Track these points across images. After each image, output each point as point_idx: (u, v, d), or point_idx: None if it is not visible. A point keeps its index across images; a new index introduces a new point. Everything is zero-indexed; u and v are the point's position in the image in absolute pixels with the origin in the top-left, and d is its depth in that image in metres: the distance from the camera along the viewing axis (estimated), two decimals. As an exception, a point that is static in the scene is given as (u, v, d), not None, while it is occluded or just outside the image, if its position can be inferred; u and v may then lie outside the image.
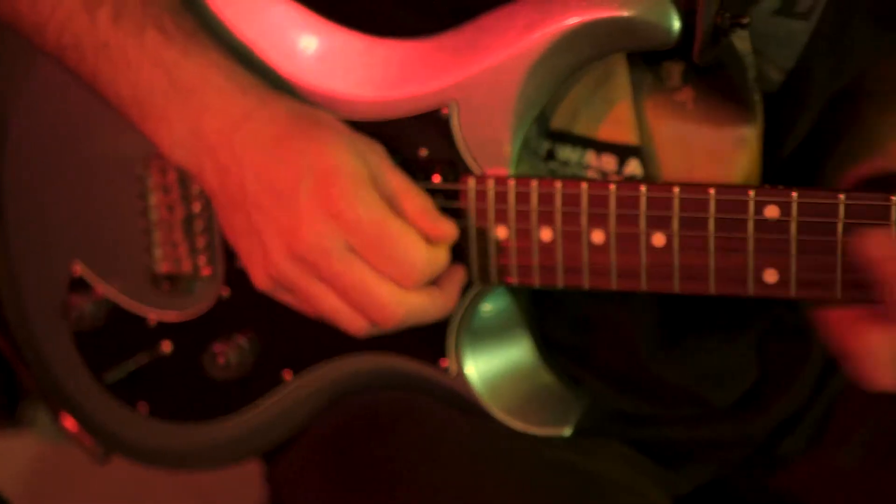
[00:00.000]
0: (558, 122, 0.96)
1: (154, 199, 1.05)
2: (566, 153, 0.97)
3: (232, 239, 0.93)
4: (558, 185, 0.88)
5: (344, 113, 0.95)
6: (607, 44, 0.87)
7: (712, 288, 0.84)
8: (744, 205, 0.82)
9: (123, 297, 1.08)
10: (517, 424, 0.96)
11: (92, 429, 1.14)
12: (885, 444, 1.05)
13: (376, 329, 0.90)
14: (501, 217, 0.91)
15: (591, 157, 0.96)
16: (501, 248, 0.91)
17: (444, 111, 0.92)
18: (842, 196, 0.80)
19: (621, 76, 0.92)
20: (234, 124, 0.90)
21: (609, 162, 0.95)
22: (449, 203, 0.93)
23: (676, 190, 0.84)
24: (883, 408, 1.07)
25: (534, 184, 0.89)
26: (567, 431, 0.96)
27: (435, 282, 0.91)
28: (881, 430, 1.06)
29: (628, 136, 0.94)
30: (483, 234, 0.91)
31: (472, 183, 0.91)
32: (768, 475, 1.09)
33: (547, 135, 0.96)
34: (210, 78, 0.91)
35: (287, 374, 1.02)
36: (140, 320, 1.08)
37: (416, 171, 0.93)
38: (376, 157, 0.91)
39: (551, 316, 1.00)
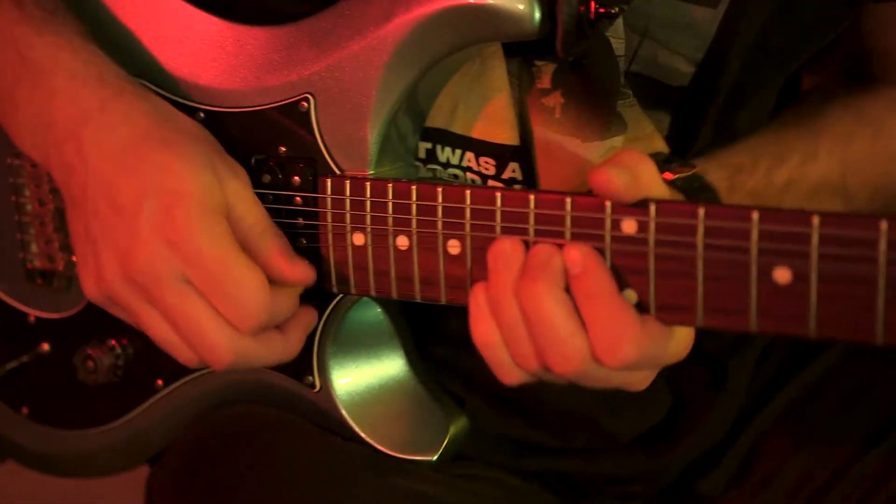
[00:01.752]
0: (437, 119, 0.88)
1: (27, 191, 1.00)
2: (446, 154, 0.89)
3: (72, 239, 0.86)
4: (413, 188, 0.80)
5: (207, 101, 0.88)
6: (468, 33, 0.78)
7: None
8: (599, 221, 0.73)
9: (3, 295, 1.04)
10: (382, 447, 0.88)
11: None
12: (809, 488, 0.94)
13: (206, 366, 0.83)
14: (359, 222, 0.83)
15: (469, 159, 0.88)
16: (358, 256, 0.84)
17: (304, 104, 0.84)
18: (701, 211, 0.70)
19: (498, 70, 0.84)
20: (85, 116, 0.83)
21: (488, 165, 0.87)
22: (307, 206, 0.85)
23: (532, 198, 0.75)
24: (810, 449, 0.96)
25: (390, 187, 0.81)
26: (434, 457, 0.87)
27: (280, 325, 0.84)
28: (806, 472, 0.95)
29: (506, 136, 0.85)
30: (341, 240, 0.84)
31: (329, 185, 0.84)
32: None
33: (426, 134, 0.88)
34: (62, 60, 0.84)
35: (159, 382, 0.96)
36: (21, 316, 1.03)
37: (276, 170, 0.86)
38: (237, 183, 0.83)
39: (429, 328, 0.92)
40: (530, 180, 0.86)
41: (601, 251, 0.73)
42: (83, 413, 1.02)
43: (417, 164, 0.90)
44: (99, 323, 0.97)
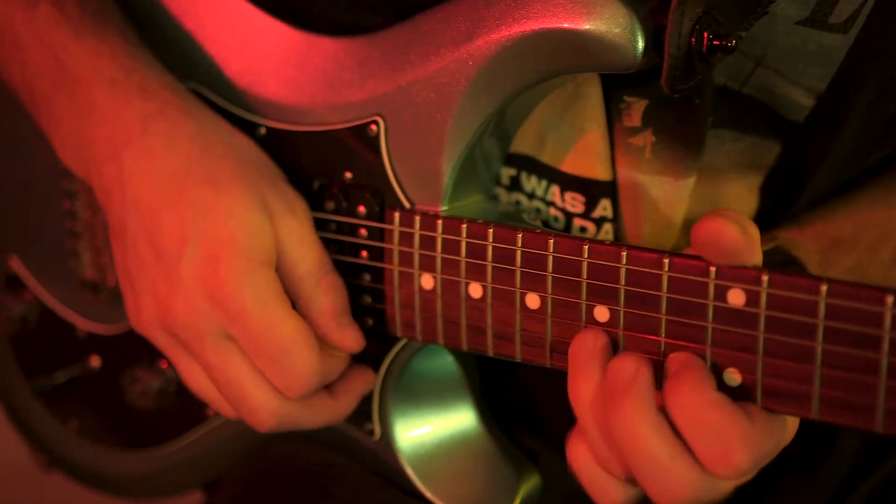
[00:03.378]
0: (524, 145, 0.78)
1: (80, 198, 0.94)
2: (532, 183, 0.79)
3: (115, 266, 0.79)
4: (490, 231, 0.71)
5: (270, 116, 0.80)
6: (560, 61, 0.68)
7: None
8: (703, 286, 0.63)
9: (55, 302, 0.98)
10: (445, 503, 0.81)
11: (32, 439, 1.05)
12: None
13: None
14: (428, 263, 0.75)
15: (555, 193, 0.78)
16: (426, 300, 0.75)
17: (373, 127, 0.76)
18: (824, 288, 0.60)
19: (593, 100, 0.74)
20: (125, 137, 0.75)
21: (576, 202, 0.77)
22: (373, 239, 0.77)
23: (624, 254, 0.66)
24: None
25: (464, 227, 0.72)
26: (503, 519, 0.79)
27: (330, 385, 0.76)
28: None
29: (599, 171, 0.76)
30: (408, 281, 0.76)
31: (397, 219, 0.75)
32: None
33: (511, 159, 0.79)
34: (101, 68, 0.76)
35: (210, 411, 0.90)
36: (70, 328, 0.97)
37: (340, 197, 0.78)
38: (292, 222, 0.74)
39: (501, 374, 0.83)
40: (619, 220, 0.77)
41: (702, 328, 0.63)
42: (131, 434, 0.96)
43: (499, 190, 0.81)
44: (149, 343, 0.91)
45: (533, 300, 0.70)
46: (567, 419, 0.85)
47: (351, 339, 0.75)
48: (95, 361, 0.96)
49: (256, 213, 0.72)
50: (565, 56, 0.68)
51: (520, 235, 0.70)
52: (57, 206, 0.95)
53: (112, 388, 0.94)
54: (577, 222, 0.78)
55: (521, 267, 0.70)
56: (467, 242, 0.72)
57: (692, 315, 0.64)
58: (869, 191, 0.78)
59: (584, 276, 0.67)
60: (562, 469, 0.84)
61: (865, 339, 0.58)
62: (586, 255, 0.67)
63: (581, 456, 0.67)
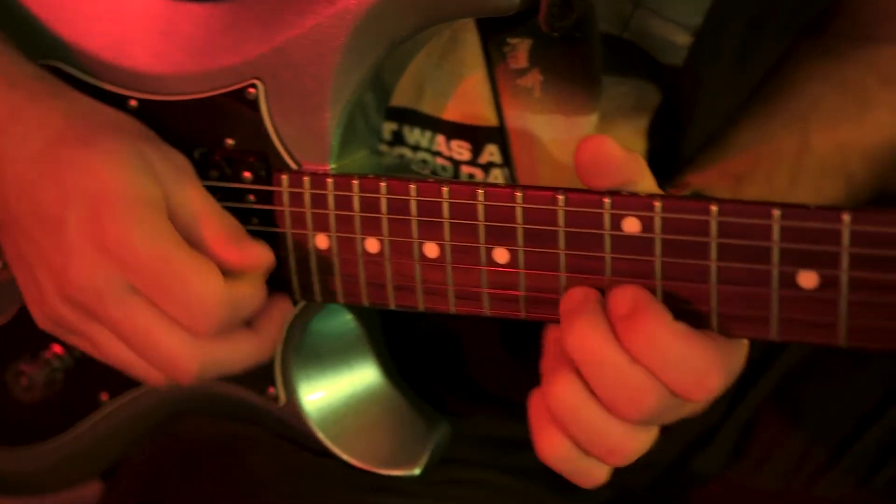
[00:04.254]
0: (403, 98, 0.79)
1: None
2: (415, 135, 0.80)
3: (9, 264, 0.77)
4: (383, 184, 0.71)
5: (139, 88, 0.78)
6: (438, 9, 0.69)
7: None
8: (599, 217, 0.65)
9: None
10: (360, 463, 0.81)
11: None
12: (811, 464, 0.89)
13: (174, 383, 0.74)
14: (322, 223, 0.74)
15: (440, 142, 0.79)
16: (323, 260, 0.75)
17: (251, 91, 0.74)
18: (714, 207, 0.62)
19: (471, 45, 0.75)
20: None
21: (462, 150, 0.78)
22: (262, 205, 0.76)
23: (519, 194, 0.67)
24: (808, 424, 0.91)
25: (355, 183, 0.72)
26: (417, 470, 0.80)
27: (250, 321, 0.74)
28: (806, 448, 0.90)
29: (483, 116, 0.77)
30: (301, 243, 0.75)
31: (285, 181, 0.75)
32: (680, 492, 0.94)
33: (391, 113, 0.79)
34: None
35: (104, 396, 0.87)
36: (-58, 326, 0.93)
37: (223, 165, 0.77)
38: (173, 171, 0.73)
39: (404, 329, 0.84)
40: (510, 164, 0.78)
41: (600, 258, 0.65)
42: (19, 430, 0.92)
43: (383, 147, 0.81)
44: (32, 334, 0.87)
45: (431, 249, 0.71)
46: (470, 365, 0.87)
47: (256, 253, 0.73)
48: (-28, 359, 0.92)
49: (133, 161, 0.71)
50: (444, 2, 0.68)
51: (413, 186, 0.70)
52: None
53: (-4, 386, 0.91)
54: (465, 170, 0.79)
55: (416, 216, 0.71)
56: (360, 197, 0.72)
57: (590, 247, 0.66)
58: (751, 121, 0.82)
59: (481, 219, 0.68)
60: (468, 415, 0.86)
61: (757, 253, 0.61)
62: (482, 199, 0.68)
63: (557, 444, 0.67)
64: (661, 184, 0.68)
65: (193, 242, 0.72)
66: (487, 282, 0.69)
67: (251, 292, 0.73)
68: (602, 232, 0.65)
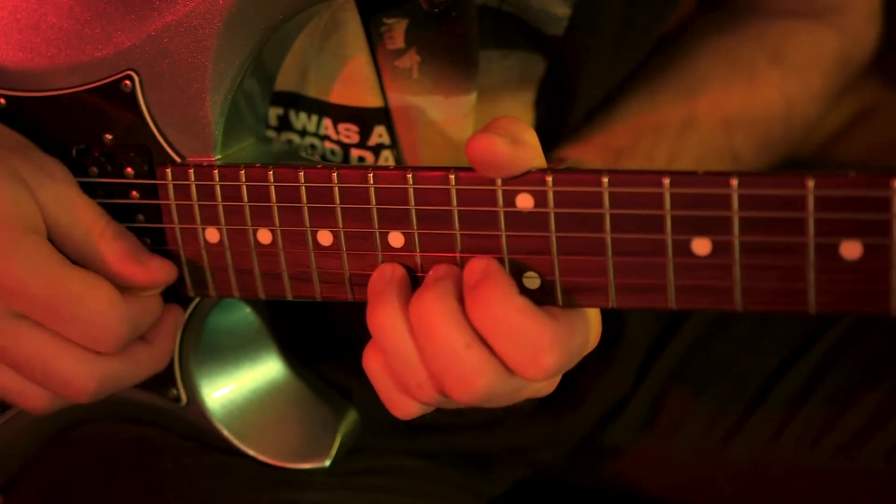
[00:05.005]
0: (287, 82, 0.76)
1: None
2: (302, 120, 0.78)
3: None
4: (271, 172, 0.69)
5: (6, 85, 0.74)
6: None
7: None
8: (492, 195, 0.64)
9: None
10: (268, 458, 0.78)
11: None
12: (722, 426, 0.90)
13: (67, 404, 0.71)
14: (211, 216, 0.72)
15: (327, 126, 0.77)
16: (215, 254, 0.73)
17: (126, 83, 0.71)
18: (605, 179, 0.62)
19: (352, 26, 0.73)
20: None
21: (350, 133, 0.76)
22: (147, 200, 0.73)
23: (410, 176, 0.65)
24: (717, 388, 0.92)
25: (242, 172, 0.70)
26: (327, 462, 0.78)
27: (143, 335, 0.72)
28: (717, 411, 0.91)
29: (368, 98, 0.75)
30: (191, 238, 0.73)
31: (169, 174, 0.72)
32: (594, 464, 0.94)
33: (276, 98, 0.77)
34: None
35: (-5, 408, 0.84)
36: None
37: (103, 161, 0.74)
38: (54, 187, 0.69)
39: (303, 318, 0.82)
40: (397, 146, 0.76)
41: (496, 237, 0.64)
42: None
43: (270, 133, 0.78)
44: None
45: (325, 237, 0.69)
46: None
47: (158, 269, 0.70)
48: None
49: (9, 183, 0.67)
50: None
51: (302, 173, 0.68)
52: None
53: None
54: (355, 153, 0.77)
55: (308, 204, 0.69)
56: (248, 187, 0.70)
57: (485, 226, 0.65)
58: (637, 95, 0.81)
59: (374, 204, 0.67)
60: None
61: (650, 222, 0.61)
62: (372, 182, 0.66)
63: (375, 364, 0.65)
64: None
65: (88, 261, 0.70)
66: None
67: (151, 307, 0.71)
68: (496, 209, 0.64)
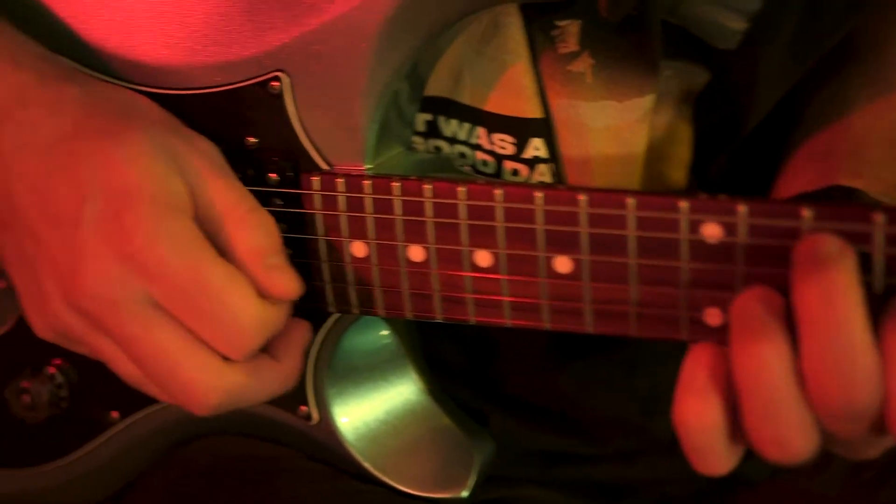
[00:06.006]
0: (437, 87, 0.72)
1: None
2: (452, 127, 0.73)
3: (5, 267, 0.69)
4: (428, 187, 0.65)
5: (149, 83, 0.70)
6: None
7: (634, 328, 0.62)
8: (674, 223, 0.59)
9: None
10: (403, 486, 0.74)
11: None
12: (870, 473, 0.84)
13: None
14: (359, 229, 0.67)
15: (481, 135, 0.72)
16: (361, 269, 0.68)
17: (275, 84, 0.67)
18: (806, 213, 0.56)
19: (514, 30, 0.68)
20: (2, 112, 0.66)
21: (505, 143, 0.72)
22: (290, 208, 0.69)
23: (583, 198, 0.61)
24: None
25: (397, 185, 0.66)
26: (465, 492, 0.74)
27: (269, 349, 0.67)
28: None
29: (527, 108, 0.70)
30: (336, 251, 0.68)
31: (316, 183, 0.68)
32: (726, 500, 0.89)
33: (425, 103, 0.72)
34: None
35: (114, 414, 0.80)
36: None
37: (245, 165, 0.70)
38: (202, 161, 0.65)
39: (443, 339, 0.77)
40: (557, 159, 0.71)
41: (674, 268, 0.59)
42: (22, 451, 0.85)
43: (416, 140, 0.74)
44: (33, 346, 0.80)
45: (483, 257, 0.64)
46: (513, 376, 0.80)
47: (282, 282, 0.65)
48: (-34, 373, 0.85)
49: (159, 156, 0.63)
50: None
51: (462, 188, 0.63)
52: None
53: (-6, 404, 0.84)
54: (509, 165, 0.72)
55: (466, 221, 0.64)
56: (402, 201, 0.65)
57: (664, 255, 0.59)
58: (856, 103, 0.75)
59: (540, 225, 0.62)
60: (513, 429, 0.80)
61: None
62: (540, 203, 0.62)
63: (709, 410, 0.57)
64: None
65: (219, 245, 0.65)
66: (548, 293, 0.63)
67: (281, 319, 0.66)
68: (678, 237, 0.59)
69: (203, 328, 0.63)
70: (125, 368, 0.67)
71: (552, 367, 0.78)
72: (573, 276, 0.62)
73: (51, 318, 0.66)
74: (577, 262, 0.61)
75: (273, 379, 0.68)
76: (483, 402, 0.78)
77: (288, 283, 0.66)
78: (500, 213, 0.63)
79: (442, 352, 0.77)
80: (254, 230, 0.66)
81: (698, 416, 0.57)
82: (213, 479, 0.77)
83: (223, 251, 0.65)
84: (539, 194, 0.61)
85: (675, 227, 0.59)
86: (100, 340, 0.66)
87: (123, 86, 0.71)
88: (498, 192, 0.63)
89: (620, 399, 0.79)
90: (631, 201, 0.60)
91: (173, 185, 0.63)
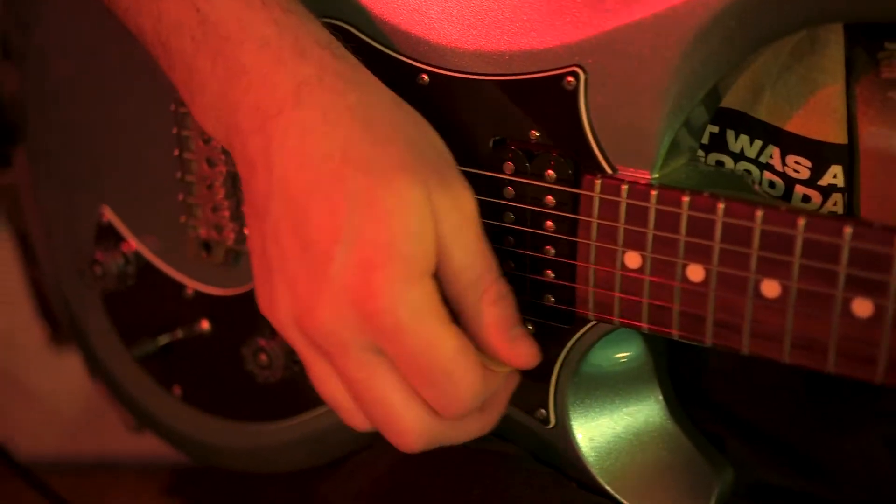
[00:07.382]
0: (732, 99, 0.68)
1: (193, 146, 0.82)
2: (741, 143, 0.69)
3: (249, 246, 0.69)
4: (721, 205, 0.61)
5: (435, 62, 0.69)
6: (831, 8, 0.58)
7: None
8: None
9: (157, 258, 0.88)
10: None
11: (124, 400, 0.96)
12: None
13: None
14: (636, 240, 0.65)
15: (774, 155, 0.68)
16: (629, 282, 0.66)
17: (570, 79, 0.65)
18: None
19: (833, 50, 0.63)
20: (276, 105, 0.64)
21: (800, 167, 0.67)
22: (564, 209, 0.67)
23: (898, 241, 0.56)
24: None
25: (686, 200, 0.62)
26: (701, 522, 0.71)
27: None
28: None
29: (832, 133, 0.65)
30: (607, 258, 0.66)
31: (597, 185, 0.65)
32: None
33: (715, 113, 0.69)
34: (251, 23, 0.65)
35: (342, 386, 0.80)
36: (177, 286, 0.87)
37: (522, 158, 0.67)
38: (457, 219, 0.63)
39: (690, 359, 0.74)
40: (852, 189, 0.67)
41: None
42: (244, 405, 0.86)
43: (698, 152, 0.70)
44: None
45: (771, 288, 0.60)
46: (761, 409, 0.76)
47: (524, 354, 0.65)
48: (205, 325, 0.86)
49: (419, 212, 0.62)
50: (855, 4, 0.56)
51: (759, 213, 0.60)
52: (164, 153, 0.84)
53: (226, 355, 0.85)
54: (800, 190, 0.68)
55: (758, 250, 0.60)
56: (689, 217, 0.62)
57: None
58: None
59: (843, 265, 0.58)
60: (745, 455, 0.76)
61: None
62: (848, 239, 0.57)
63: None
64: None
65: (461, 310, 0.65)
66: (839, 334, 0.59)
67: (499, 384, 0.67)
68: None
69: (425, 390, 0.64)
70: (329, 392, 0.67)
71: (811, 407, 0.74)
72: (873, 322, 0.58)
73: (273, 317, 0.66)
74: (879, 308, 0.57)
75: (473, 429, 0.69)
76: (720, 427, 0.75)
77: (529, 353, 0.66)
78: (798, 245, 0.59)
79: (684, 371, 0.74)
80: (500, 301, 0.65)
81: None
82: (437, 464, 0.76)
83: (465, 319, 0.65)
84: (848, 230, 0.57)
85: None
86: (317, 361, 0.66)
87: (402, 62, 0.69)
88: (801, 220, 0.59)
89: (877, 444, 0.74)
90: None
91: (427, 245, 0.62)
